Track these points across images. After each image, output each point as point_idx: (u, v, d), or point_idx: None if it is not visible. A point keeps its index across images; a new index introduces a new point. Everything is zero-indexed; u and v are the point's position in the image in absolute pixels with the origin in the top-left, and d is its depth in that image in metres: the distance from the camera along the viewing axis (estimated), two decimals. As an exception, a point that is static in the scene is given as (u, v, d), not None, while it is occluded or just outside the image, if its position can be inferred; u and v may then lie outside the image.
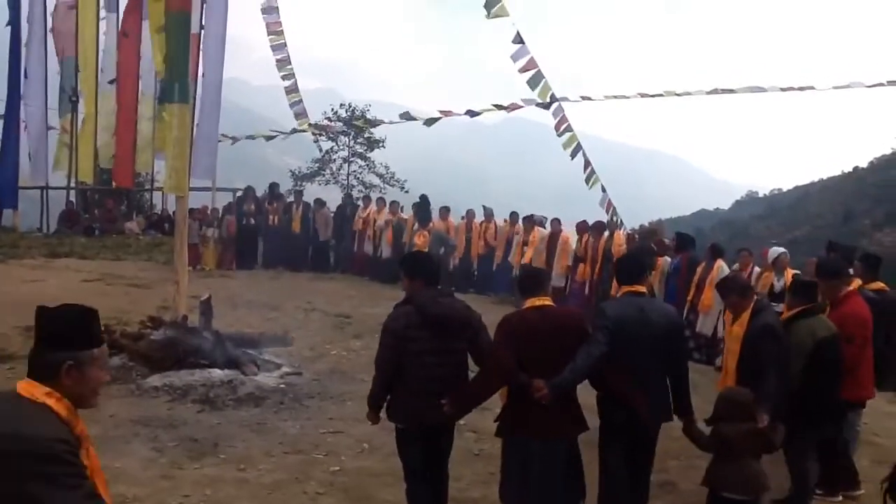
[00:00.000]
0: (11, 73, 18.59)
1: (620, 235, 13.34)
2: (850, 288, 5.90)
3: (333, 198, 19.19)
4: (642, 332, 4.60)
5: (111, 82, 17.04)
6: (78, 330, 2.46)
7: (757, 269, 10.27)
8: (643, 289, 4.89)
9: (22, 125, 18.58)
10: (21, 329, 9.42)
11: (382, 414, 4.78)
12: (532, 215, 14.47)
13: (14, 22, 18.66)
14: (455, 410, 4.57)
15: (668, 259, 11.38)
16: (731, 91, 17.43)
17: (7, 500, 2.20)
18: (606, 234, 13.13)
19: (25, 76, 18.50)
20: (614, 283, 10.83)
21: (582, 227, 13.49)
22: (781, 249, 10.08)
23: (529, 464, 4.44)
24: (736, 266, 10.56)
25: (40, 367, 2.39)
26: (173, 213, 14.91)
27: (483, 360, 4.62)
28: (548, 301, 4.61)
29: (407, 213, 15.66)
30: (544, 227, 14.14)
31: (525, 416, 4.44)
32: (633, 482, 4.81)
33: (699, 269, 10.60)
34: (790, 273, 9.41)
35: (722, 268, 10.31)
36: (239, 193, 17.58)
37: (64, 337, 2.41)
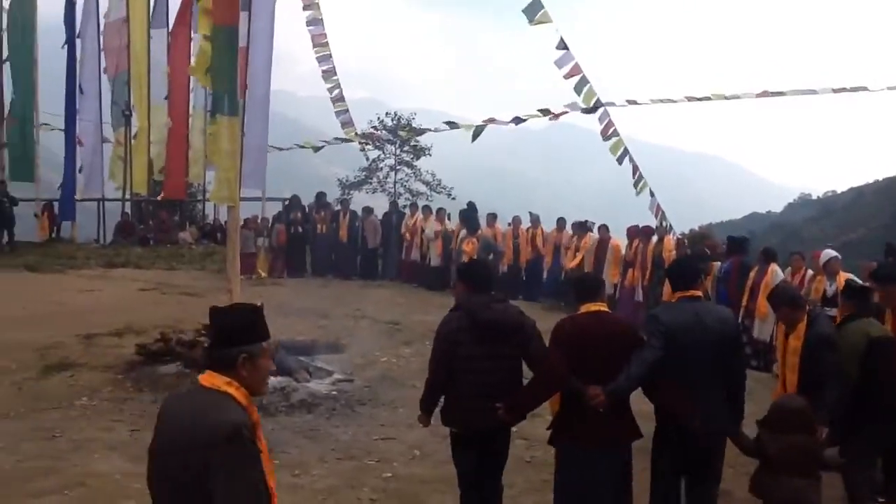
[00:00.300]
0: (68, 90, 19.23)
1: (670, 240, 13.17)
2: None
3: (380, 206, 19.32)
4: (698, 337, 4.50)
5: (166, 98, 17.43)
6: (249, 326, 2.75)
7: (810, 272, 10.01)
8: (699, 293, 4.79)
9: (77, 140, 19.22)
10: (80, 337, 9.71)
11: (435, 419, 4.80)
12: (584, 221, 14.39)
13: (70, 41, 19.29)
14: (509, 416, 4.55)
15: (719, 263, 11.20)
16: (782, 93, 17.12)
17: (195, 476, 2.47)
18: (655, 239, 13.00)
19: (81, 92, 19.09)
20: (665, 289, 10.76)
21: (632, 232, 13.39)
22: (833, 253, 9.75)
23: (583, 473, 4.40)
24: (788, 270, 10.34)
25: (219, 361, 2.67)
26: (225, 222, 15.19)
27: (536, 365, 4.59)
28: (603, 307, 4.58)
29: (454, 221, 15.69)
30: (593, 233, 14.06)
31: (578, 424, 4.41)
32: (690, 495, 4.71)
33: (752, 274, 10.40)
34: (843, 277, 9.12)
35: (776, 272, 10.10)
36: (286, 202, 17.82)
37: (238, 333, 2.69)
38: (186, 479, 2.49)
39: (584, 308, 4.56)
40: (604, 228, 13.97)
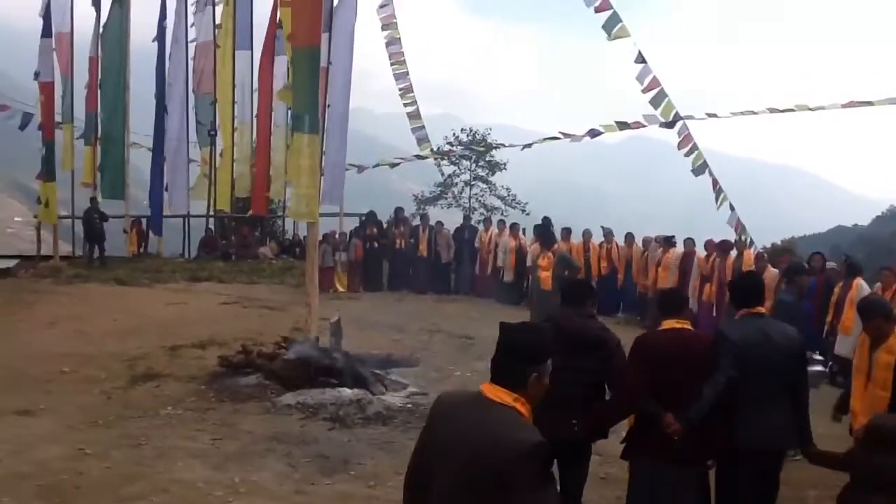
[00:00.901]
0: (158, 111, 20.05)
1: (750, 255, 12.85)
2: None
3: (455, 221, 19.41)
4: (765, 354, 4.38)
5: (255, 117, 17.97)
6: (542, 346, 2.79)
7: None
8: (763, 310, 4.66)
9: (163, 158, 20.01)
10: (166, 349, 10.06)
11: None
12: (671, 236, 14.23)
13: (160, 64, 20.11)
14: (586, 432, 4.53)
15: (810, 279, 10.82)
16: (870, 103, 16.55)
17: (493, 487, 2.47)
18: (734, 253, 12.71)
19: (167, 113, 19.86)
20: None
21: (710, 247, 13.15)
22: None
23: (657, 489, 4.34)
24: (878, 286, 9.92)
25: (510, 376, 2.66)
26: (304, 238, 15.50)
27: (614, 384, 4.58)
28: (686, 324, 4.51)
29: (528, 236, 15.66)
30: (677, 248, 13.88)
31: (652, 440, 4.34)
32: None
33: (836, 289, 10.05)
34: None
35: (861, 286, 9.72)
36: (363, 218, 18.09)
37: (534, 353, 2.73)
38: (483, 487, 2.50)
39: (667, 324, 4.50)
40: (690, 242, 13.76)
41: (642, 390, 4.35)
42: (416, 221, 18.28)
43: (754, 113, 17.84)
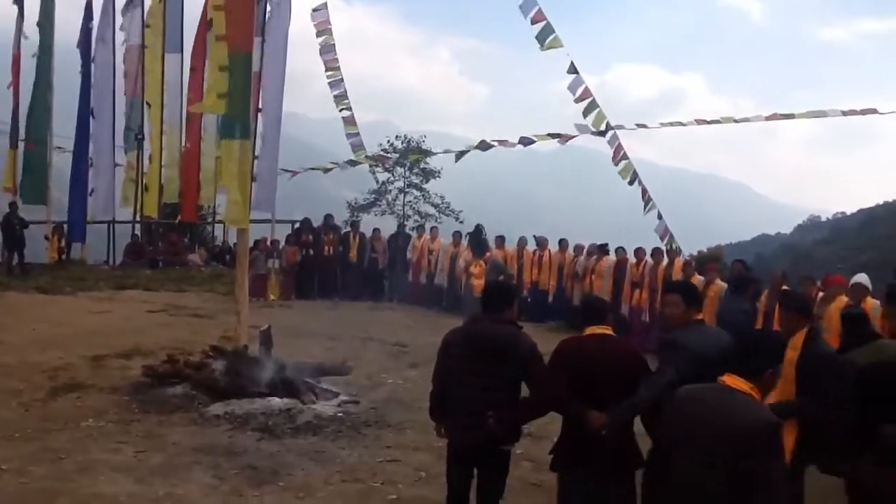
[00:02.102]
0: (81, 114, 19.43)
1: (680, 263, 13.17)
2: None
3: (389, 228, 19.44)
4: (706, 359, 4.35)
5: (184, 121, 17.62)
6: (780, 350, 3.76)
7: (821, 295, 9.76)
8: (700, 317, 4.73)
9: (89, 162, 19.40)
10: (88, 359, 9.76)
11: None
12: (604, 244, 14.49)
13: (85, 66, 19.52)
14: (497, 427, 4.47)
15: (723, 285, 11.13)
16: (791, 116, 17.13)
17: (734, 457, 3.10)
18: (666, 261, 13.03)
19: (93, 116, 19.29)
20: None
21: (640, 254, 13.45)
22: (862, 277, 9.20)
23: (583, 499, 4.36)
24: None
25: (748, 369, 3.32)
26: (234, 244, 15.25)
27: (533, 386, 4.56)
28: (608, 331, 4.53)
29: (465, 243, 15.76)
30: (610, 256, 14.15)
31: (579, 450, 4.36)
32: None
33: (763, 297, 10.29)
34: (870, 304, 8.80)
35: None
36: (297, 225, 17.94)
37: (770, 354, 3.47)
38: (726, 457, 3.11)
39: (589, 330, 4.53)
40: (621, 251, 14.04)
41: (562, 391, 4.37)
42: (347, 228, 18.24)
43: (682, 124, 18.28)
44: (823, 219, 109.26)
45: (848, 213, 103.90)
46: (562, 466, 4.51)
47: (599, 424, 4.23)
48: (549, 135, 18.06)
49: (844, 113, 15.76)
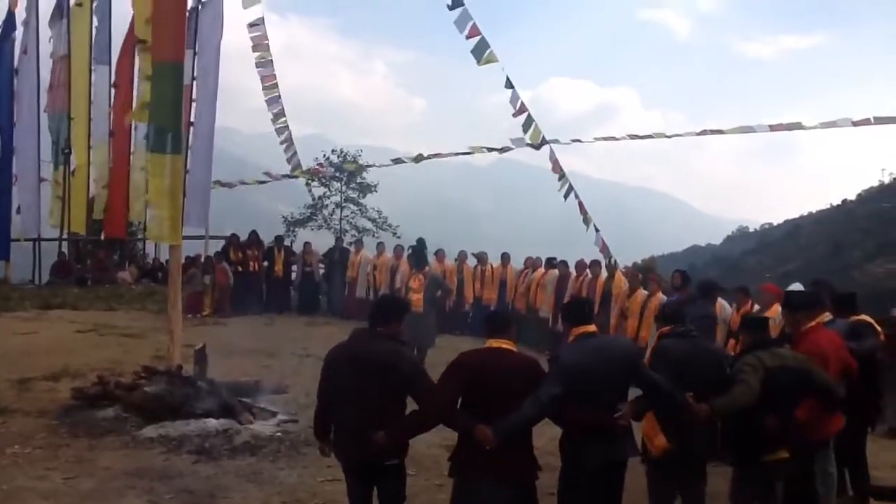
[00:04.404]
0: (3, 128, 18.74)
1: (621, 276, 13.31)
2: (813, 323, 5.74)
3: (326, 243, 19.27)
4: (601, 370, 4.53)
5: (110, 135, 17.20)
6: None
7: (756, 307, 9.70)
8: (592, 328, 4.77)
9: (13, 178, 18.72)
10: (13, 382, 9.36)
11: None
12: (553, 258, 14.75)
13: (5, 78, 18.85)
14: (384, 443, 4.49)
15: (664, 297, 11.31)
16: (721, 131, 17.66)
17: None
18: (605, 274, 13.20)
19: (14, 128, 18.63)
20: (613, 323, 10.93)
21: (580, 268, 13.61)
22: (796, 287, 9.03)
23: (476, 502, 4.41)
24: (734, 306, 10.30)
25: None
26: (166, 261, 14.91)
27: (417, 398, 4.60)
28: (508, 345, 4.59)
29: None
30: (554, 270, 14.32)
31: (475, 455, 4.38)
32: None
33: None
34: (775, 309, 8.99)
35: (723, 306, 10.17)
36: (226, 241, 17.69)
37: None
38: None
39: (489, 343, 4.60)
40: (563, 265, 14.18)
41: (450, 403, 4.41)
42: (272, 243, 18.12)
43: (616, 139, 18.64)
44: (751, 229, 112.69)
45: (775, 223, 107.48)
46: (458, 473, 4.54)
47: (484, 439, 4.27)
48: (486, 148, 18.22)
49: (772, 127, 16.25)
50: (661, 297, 11.46)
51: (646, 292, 11.88)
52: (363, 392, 4.53)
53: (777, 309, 8.89)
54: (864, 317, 6.68)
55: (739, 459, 5.18)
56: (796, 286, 9.15)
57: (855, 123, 15.12)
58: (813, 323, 5.71)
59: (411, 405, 4.67)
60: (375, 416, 4.50)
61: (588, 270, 13.53)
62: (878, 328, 6.71)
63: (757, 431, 4.97)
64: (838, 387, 5.37)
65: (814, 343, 5.53)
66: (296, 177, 21.21)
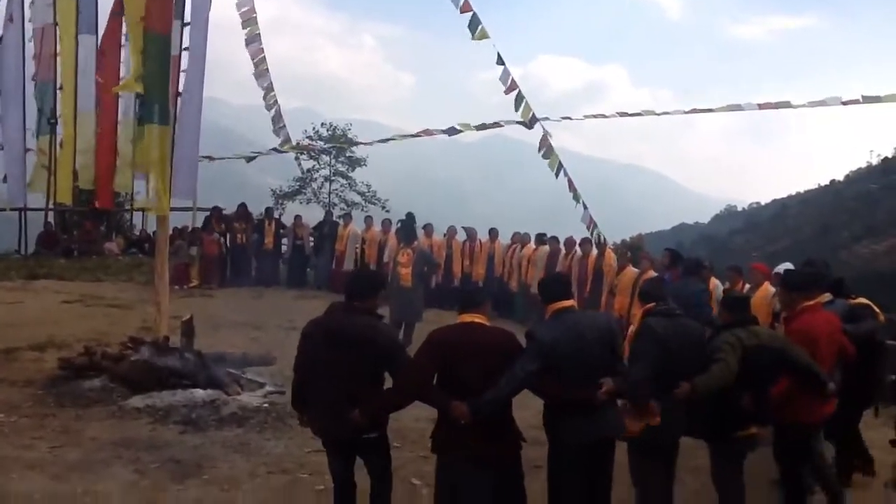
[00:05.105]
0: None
1: (611, 254, 13.34)
2: (810, 303, 5.64)
3: (315, 216, 19.25)
4: (578, 347, 4.53)
5: (96, 106, 17.02)
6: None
7: (748, 286, 9.61)
8: (570, 303, 4.78)
9: (-1, 147, 18.51)
10: (0, 351, 9.35)
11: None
12: (543, 234, 14.76)
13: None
14: (361, 420, 4.51)
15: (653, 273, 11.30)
16: (710, 110, 17.59)
17: None
18: (596, 252, 13.23)
19: (2, 99, 18.40)
20: (623, 303, 11.01)
21: (569, 244, 13.64)
22: (786, 266, 9.00)
23: (458, 485, 4.42)
24: (727, 284, 10.20)
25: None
26: (153, 232, 14.86)
27: (393, 374, 4.60)
28: (480, 318, 4.57)
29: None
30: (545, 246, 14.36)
31: (455, 433, 4.38)
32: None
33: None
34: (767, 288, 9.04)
35: (717, 285, 10.17)
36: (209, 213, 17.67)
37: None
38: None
39: (461, 318, 4.59)
40: (554, 240, 14.21)
41: (425, 381, 4.41)
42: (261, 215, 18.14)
43: (605, 116, 18.54)
44: (739, 209, 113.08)
45: (763, 202, 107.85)
46: (439, 449, 4.55)
47: (460, 414, 4.28)
48: (475, 127, 18.12)
49: (760, 106, 16.18)
50: (651, 274, 11.45)
51: (636, 270, 11.90)
52: (339, 366, 4.53)
53: (767, 287, 9.04)
54: (862, 299, 6.54)
55: (713, 436, 5.22)
56: (786, 266, 9.10)
57: (844, 103, 15.10)
58: (810, 303, 5.62)
59: (388, 381, 4.69)
60: (351, 391, 4.51)
61: (578, 248, 13.55)
62: (878, 310, 6.54)
63: (731, 409, 4.99)
64: (825, 368, 5.30)
65: (805, 323, 5.48)
66: (284, 151, 21.08)
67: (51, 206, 19.44)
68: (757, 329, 5.25)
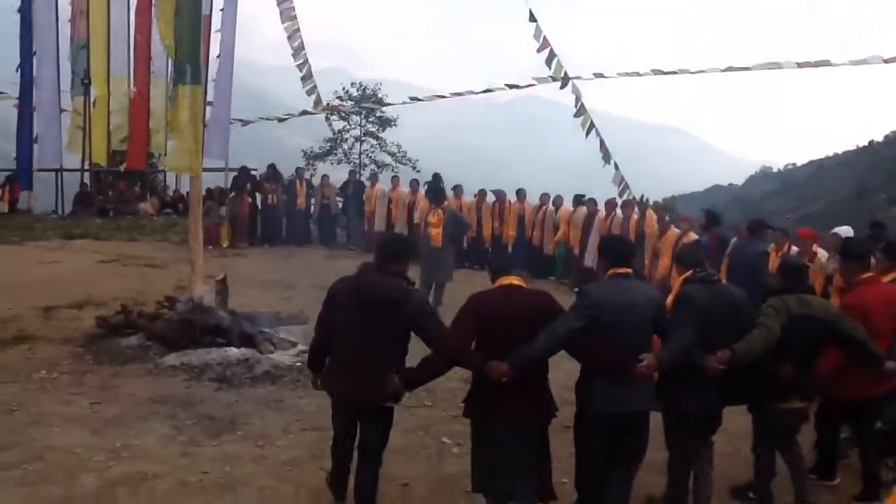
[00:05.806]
0: (23, 58, 18.62)
1: (652, 215, 13.17)
2: (868, 274, 5.45)
3: (345, 177, 19.33)
4: (626, 315, 4.45)
5: (130, 66, 17.11)
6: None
7: (794, 248, 9.46)
8: (628, 270, 4.69)
9: (33, 108, 18.67)
10: (39, 310, 9.55)
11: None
12: (582, 195, 14.72)
13: (25, 7, 18.66)
14: (399, 387, 4.51)
15: (695, 236, 11.16)
16: (747, 68, 17.17)
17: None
18: (637, 214, 13.14)
19: (35, 59, 18.53)
20: (666, 265, 10.92)
21: (609, 206, 13.61)
22: (844, 229, 8.79)
23: (493, 447, 4.39)
24: (772, 246, 9.72)
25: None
26: (187, 193, 15.00)
27: (430, 342, 4.54)
28: (517, 281, 4.54)
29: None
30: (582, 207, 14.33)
31: (489, 398, 4.35)
32: (616, 479, 4.61)
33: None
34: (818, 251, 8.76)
35: (822, 253, 9.84)
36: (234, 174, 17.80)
37: None
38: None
39: (498, 282, 4.55)
40: (591, 202, 14.14)
41: (465, 346, 4.36)
42: (293, 176, 18.30)
43: (639, 74, 18.23)
44: (774, 170, 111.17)
45: (798, 164, 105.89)
46: (474, 413, 4.53)
47: (498, 374, 4.21)
48: (506, 85, 17.93)
49: (799, 65, 15.80)
50: (692, 236, 11.30)
51: (678, 231, 11.77)
52: (367, 328, 4.50)
53: (819, 251, 8.82)
54: None
55: (752, 405, 5.08)
56: (845, 230, 8.74)
57: (886, 61, 14.68)
58: (868, 275, 5.43)
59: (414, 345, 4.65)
60: (376, 353, 4.49)
61: (619, 210, 13.44)
62: None
63: (770, 378, 4.85)
64: (881, 345, 5.09)
65: (858, 296, 5.31)
66: (315, 113, 21.07)
67: (86, 166, 19.69)
68: (809, 298, 5.00)
